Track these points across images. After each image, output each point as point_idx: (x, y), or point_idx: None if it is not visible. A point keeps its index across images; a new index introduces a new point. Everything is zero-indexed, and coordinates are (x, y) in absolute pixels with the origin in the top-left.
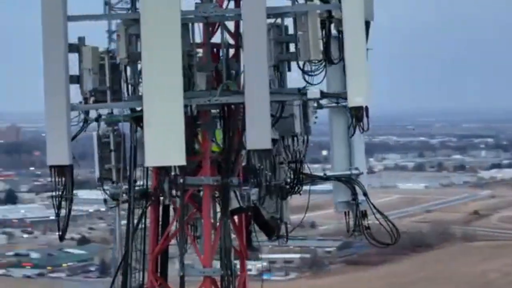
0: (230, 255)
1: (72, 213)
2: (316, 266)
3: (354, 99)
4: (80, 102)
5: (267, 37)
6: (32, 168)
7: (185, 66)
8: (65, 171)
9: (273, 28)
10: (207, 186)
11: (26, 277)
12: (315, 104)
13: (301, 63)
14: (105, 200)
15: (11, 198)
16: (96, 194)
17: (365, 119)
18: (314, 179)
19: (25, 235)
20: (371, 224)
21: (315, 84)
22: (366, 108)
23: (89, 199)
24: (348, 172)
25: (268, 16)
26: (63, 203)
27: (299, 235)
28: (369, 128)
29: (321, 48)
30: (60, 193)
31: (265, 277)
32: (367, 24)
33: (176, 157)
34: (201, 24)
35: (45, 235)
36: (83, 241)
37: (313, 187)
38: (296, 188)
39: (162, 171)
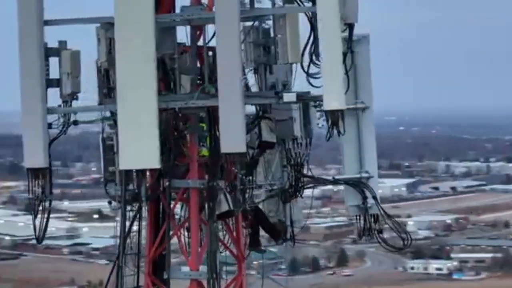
0: (216, 258)
1: None
2: (508, 266)
3: (330, 103)
4: (60, 105)
5: (247, 39)
6: None
7: (167, 69)
8: (41, 173)
9: (252, 31)
10: (194, 189)
11: None
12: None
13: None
14: (109, 202)
15: None
16: None
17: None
18: (322, 182)
19: None
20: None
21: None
22: (342, 111)
23: None
24: (358, 176)
25: (247, 19)
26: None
27: (492, 234)
28: (345, 131)
29: (301, 50)
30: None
31: (455, 276)
32: (351, 26)
33: (150, 160)
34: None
35: None
36: None
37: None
38: (297, 192)
39: (138, 174)
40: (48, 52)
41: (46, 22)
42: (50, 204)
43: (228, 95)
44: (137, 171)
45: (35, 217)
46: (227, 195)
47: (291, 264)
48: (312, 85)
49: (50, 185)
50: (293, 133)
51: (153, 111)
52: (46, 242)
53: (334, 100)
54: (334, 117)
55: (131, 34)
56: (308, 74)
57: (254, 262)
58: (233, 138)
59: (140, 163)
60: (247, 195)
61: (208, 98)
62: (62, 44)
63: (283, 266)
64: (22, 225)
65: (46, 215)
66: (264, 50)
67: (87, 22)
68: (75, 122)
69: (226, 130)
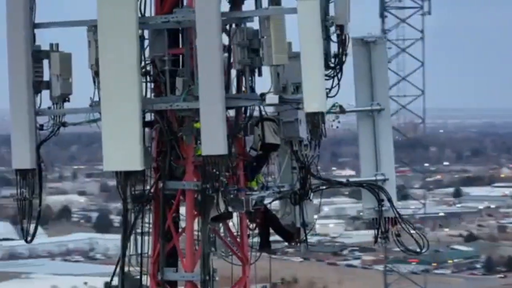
0: (209, 260)
1: (461, 210)
2: None
3: (311, 105)
4: (49, 107)
5: (233, 41)
6: (426, 164)
7: (157, 71)
8: (29, 174)
9: (238, 32)
10: (190, 191)
11: (411, 273)
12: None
13: None
14: None
15: (401, 194)
16: (486, 191)
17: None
18: (335, 185)
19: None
20: None
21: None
22: (322, 114)
23: (480, 196)
24: (373, 178)
25: (231, 21)
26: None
27: None
28: (326, 134)
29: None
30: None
31: None
32: (342, 28)
33: (133, 162)
34: None
35: (434, 232)
36: (470, 238)
37: None
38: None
39: (123, 176)
40: (40, 55)
41: (36, 25)
42: (40, 204)
43: (208, 97)
44: (120, 172)
45: (23, 217)
46: (226, 197)
47: (486, 264)
48: None
49: (40, 186)
50: (299, 135)
51: (136, 113)
52: None
53: (315, 102)
54: (315, 120)
55: (113, 37)
56: None
57: (449, 261)
58: (213, 140)
59: (122, 165)
60: (250, 198)
61: (193, 100)
62: (53, 46)
63: (478, 265)
64: None
65: (37, 216)
66: (253, 52)
67: (77, 25)
68: (64, 124)
69: (207, 132)
